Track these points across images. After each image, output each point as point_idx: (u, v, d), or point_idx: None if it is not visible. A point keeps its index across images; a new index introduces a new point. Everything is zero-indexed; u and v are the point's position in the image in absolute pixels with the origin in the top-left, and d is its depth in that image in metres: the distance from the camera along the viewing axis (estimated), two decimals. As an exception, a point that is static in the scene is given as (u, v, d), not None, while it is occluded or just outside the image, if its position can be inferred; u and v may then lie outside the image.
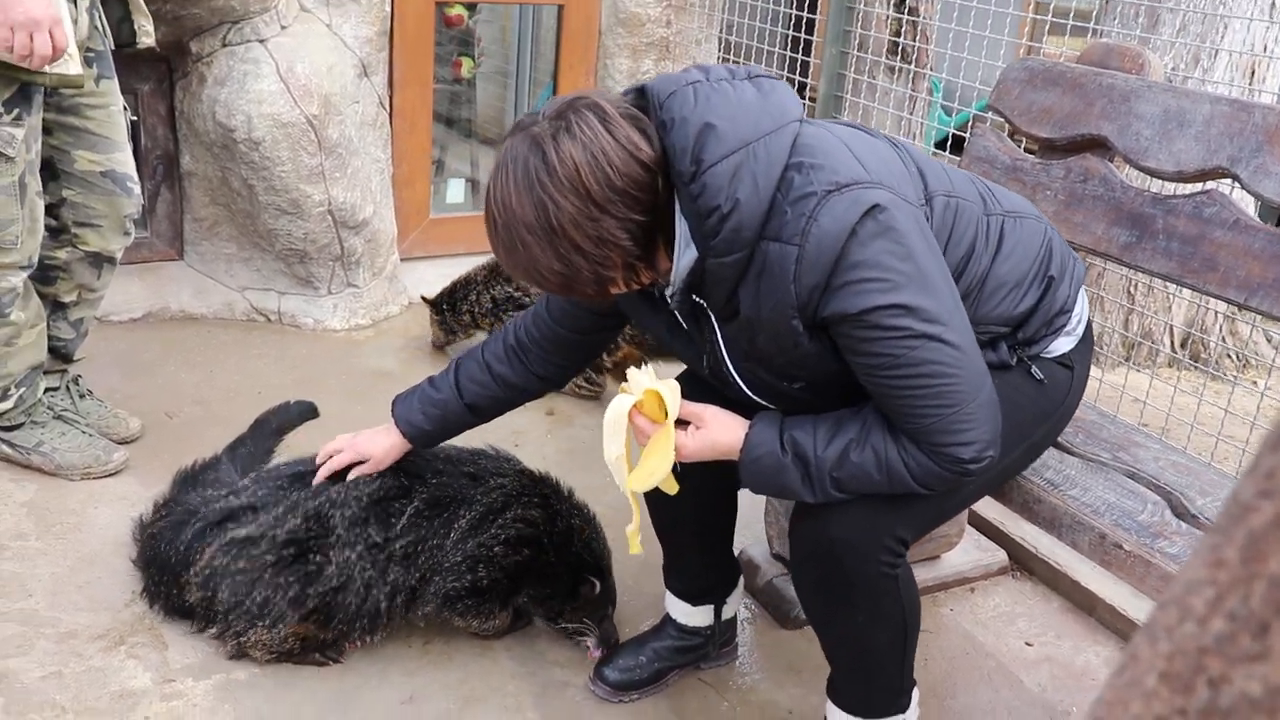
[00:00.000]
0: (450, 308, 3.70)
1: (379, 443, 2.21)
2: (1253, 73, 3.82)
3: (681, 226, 1.60)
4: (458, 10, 4.83)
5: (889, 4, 4.19)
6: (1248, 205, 3.37)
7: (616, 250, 1.56)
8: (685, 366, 2.01)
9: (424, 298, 3.80)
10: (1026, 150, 2.60)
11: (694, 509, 2.14)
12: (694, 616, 2.31)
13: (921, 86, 4.54)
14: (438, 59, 4.52)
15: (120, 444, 2.96)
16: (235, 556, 2.17)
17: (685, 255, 1.62)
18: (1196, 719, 0.35)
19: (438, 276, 4.34)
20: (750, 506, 2.85)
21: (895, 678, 1.91)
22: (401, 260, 4.28)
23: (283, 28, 3.65)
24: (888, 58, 3.88)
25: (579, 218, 1.53)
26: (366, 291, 4.02)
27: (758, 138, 1.55)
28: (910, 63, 4.26)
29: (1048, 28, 3.79)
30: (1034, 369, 1.84)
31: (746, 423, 1.74)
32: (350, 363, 3.72)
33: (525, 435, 3.27)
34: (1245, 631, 0.33)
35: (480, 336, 3.78)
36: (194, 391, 3.39)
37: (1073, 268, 1.90)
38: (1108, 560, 1.84)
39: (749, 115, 1.56)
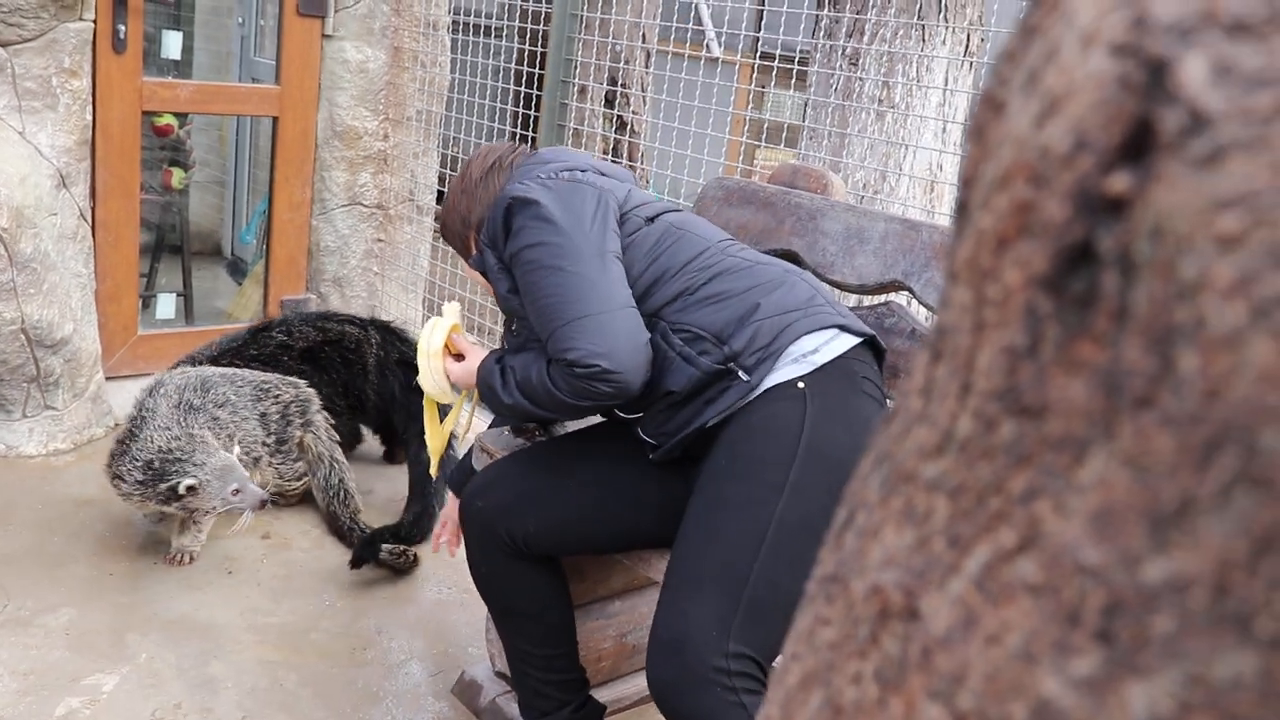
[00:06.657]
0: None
1: None
2: (932, 188, 4.22)
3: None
4: (167, 120, 4.69)
5: (601, 102, 4.39)
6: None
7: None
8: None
9: None
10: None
11: (535, 600, 2.13)
12: None
13: (641, 182, 4.75)
14: (147, 168, 4.36)
15: None
16: None
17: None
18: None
19: (147, 395, 4.13)
20: (469, 624, 2.83)
21: None
22: (107, 379, 4.04)
23: (-30, 136, 3.44)
24: (602, 157, 4.04)
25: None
26: (67, 414, 3.77)
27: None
28: (623, 160, 4.46)
29: (764, 135, 4.03)
30: (754, 392, 1.85)
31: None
32: (48, 491, 3.47)
33: (239, 562, 3.13)
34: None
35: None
36: None
37: (815, 314, 1.91)
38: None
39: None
